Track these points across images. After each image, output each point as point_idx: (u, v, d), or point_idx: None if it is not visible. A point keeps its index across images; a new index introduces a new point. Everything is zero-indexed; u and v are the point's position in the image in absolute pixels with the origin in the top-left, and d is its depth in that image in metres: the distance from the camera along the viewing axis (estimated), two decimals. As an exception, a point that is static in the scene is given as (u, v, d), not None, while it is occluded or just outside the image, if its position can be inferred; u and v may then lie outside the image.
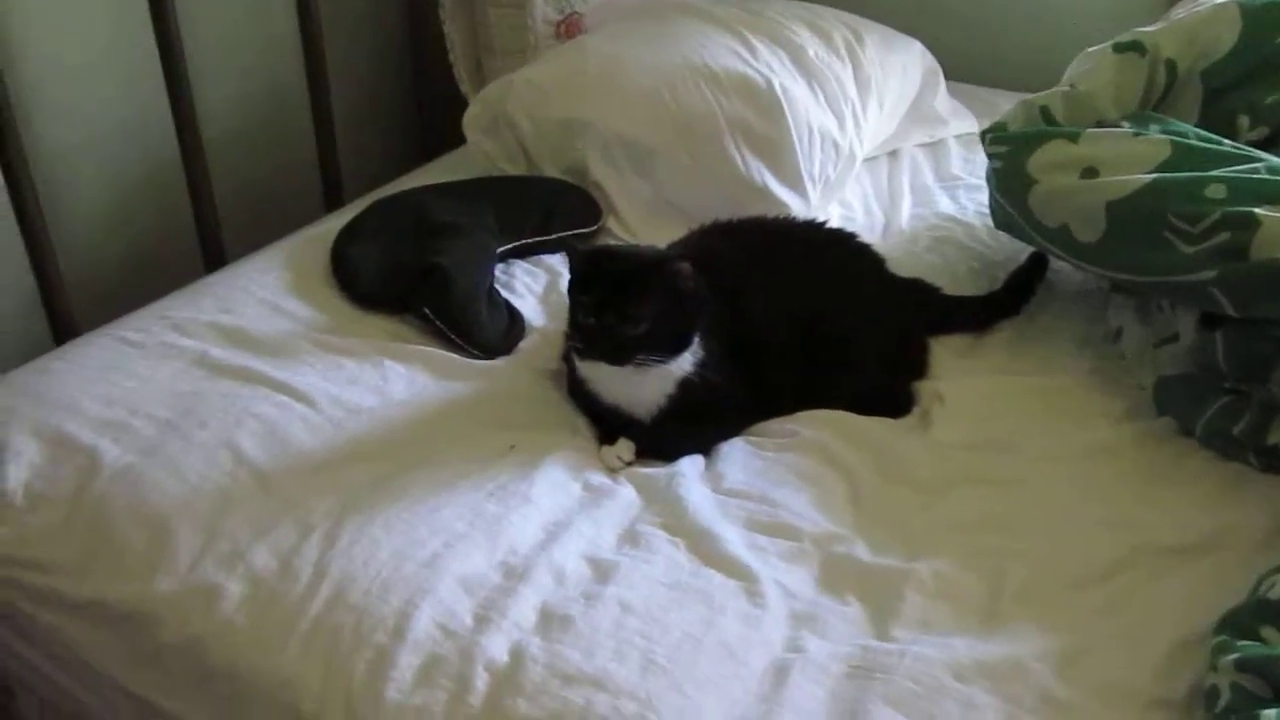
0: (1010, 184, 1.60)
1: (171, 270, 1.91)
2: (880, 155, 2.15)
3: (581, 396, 1.46)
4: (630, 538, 1.26)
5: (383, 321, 1.63)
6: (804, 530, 1.26)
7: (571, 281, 1.37)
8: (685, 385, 1.39)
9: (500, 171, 2.00)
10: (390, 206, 1.84)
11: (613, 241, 1.86)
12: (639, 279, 1.32)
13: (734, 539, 1.24)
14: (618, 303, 1.31)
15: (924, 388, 1.53)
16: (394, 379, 1.50)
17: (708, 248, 1.54)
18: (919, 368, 1.56)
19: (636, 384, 1.38)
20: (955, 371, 1.56)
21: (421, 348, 1.56)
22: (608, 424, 1.43)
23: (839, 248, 1.62)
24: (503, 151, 2.00)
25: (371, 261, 1.71)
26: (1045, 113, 1.64)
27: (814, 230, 1.64)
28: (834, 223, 1.91)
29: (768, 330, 1.47)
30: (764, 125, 1.86)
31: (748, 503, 1.31)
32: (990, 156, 1.65)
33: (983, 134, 1.69)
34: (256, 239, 1.90)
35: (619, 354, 1.33)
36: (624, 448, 1.39)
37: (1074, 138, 1.55)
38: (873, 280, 1.61)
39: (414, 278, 1.61)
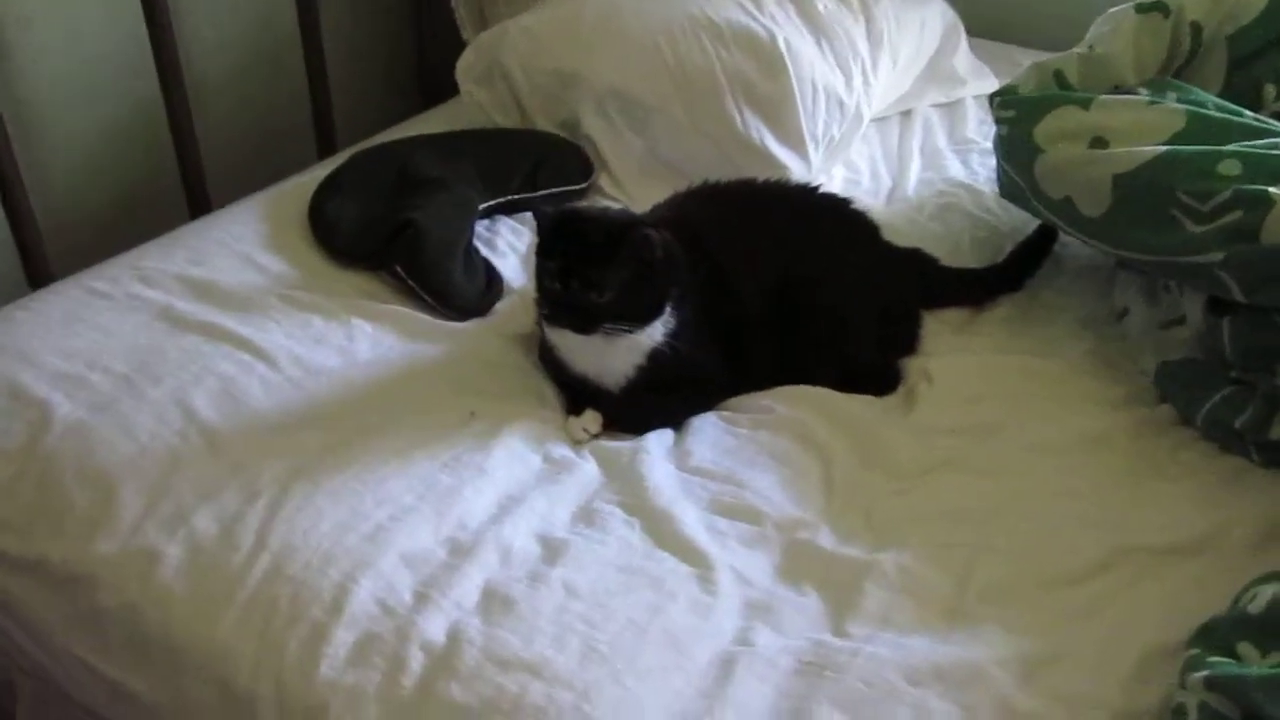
0: (1016, 151, 1.51)
1: (155, 218, 1.86)
2: (892, 115, 2.06)
3: (550, 364, 1.40)
4: (585, 515, 1.20)
5: (358, 278, 1.58)
6: (767, 514, 1.20)
7: (537, 245, 1.31)
8: (656, 356, 1.33)
9: (492, 124, 1.93)
10: (372, 159, 1.78)
11: (603, 200, 1.80)
12: (606, 245, 1.26)
13: (693, 521, 1.18)
14: (583, 269, 1.25)
15: (912, 365, 1.46)
16: (360, 339, 1.45)
17: (691, 211, 1.47)
18: (909, 343, 1.49)
19: (605, 353, 1.33)
20: (947, 349, 1.48)
21: (394, 307, 1.51)
22: (576, 394, 1.38)
23: (831, 214, 1.54)
24: (496, 103, 1.93)
25: (349, 216, 1.65)
26: (1059, 76, 1.55)
27: (806, 195, 1.56)
28: (837, 186, 1.84)
29: (749, 300, 1.41)
30: (765, 82, 1.77)
31: (712, 482, 1.25)
32: (997, 121, 1.56)
33: (991, 97, 1.60)
34: (247, 186, 1.85)
35: (584, 323, 1.27)
36: (590, 419, 1.34)
37: (1085, 104, 1.46)
38: (866, 249, 1.53)
39: (390, 233, 1.56)
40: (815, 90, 1.80)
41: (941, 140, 1.99)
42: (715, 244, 1.42)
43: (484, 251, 1.65)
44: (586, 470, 1.27)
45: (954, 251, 1.65)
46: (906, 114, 2.07)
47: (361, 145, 1.89)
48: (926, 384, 1.41)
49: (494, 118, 1.93)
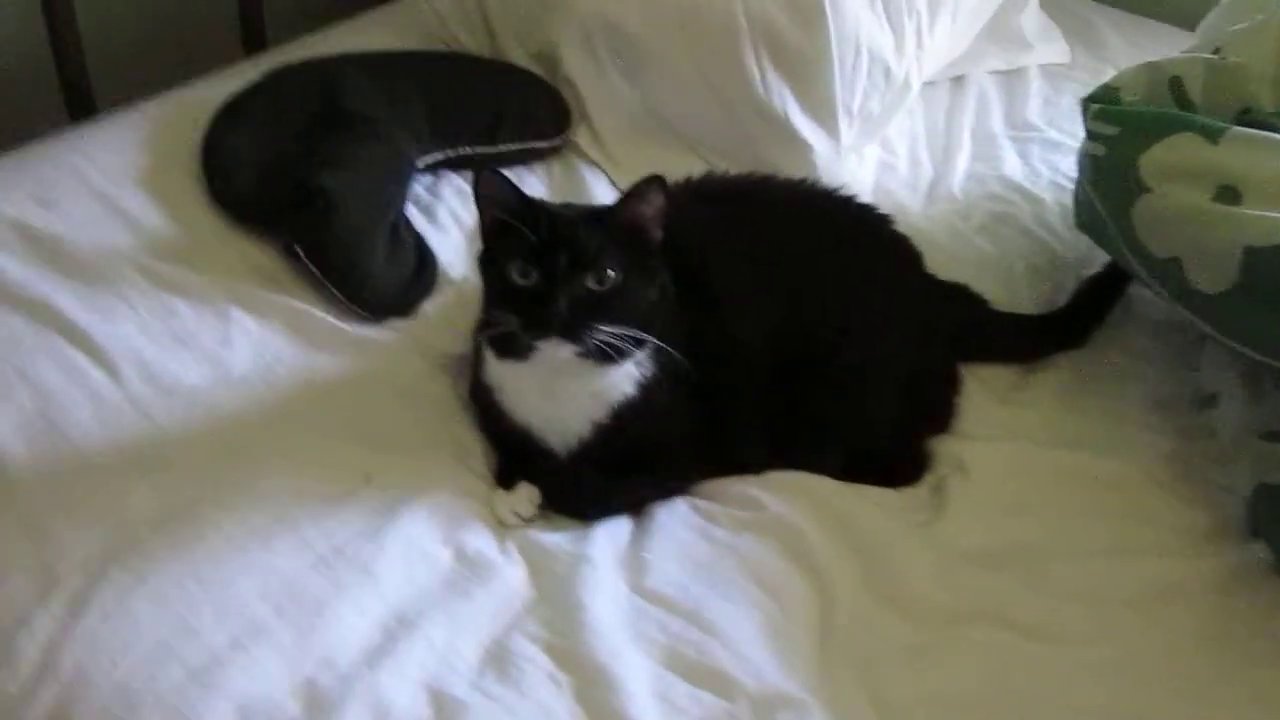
0: (1111, 181, 1.17)
1: (27, 118, 1.47)
2: (941, 80, 1.69)
3: (485, 407, 1.08)
4: (498, 660, 0.89)
5: (250, 245, 1.23)
6: (741, 683, 0.89)
7: (492, 226, 0.98)
8: (624, 411, 1.02)
9: (454, 44, 1.55)
10: (292, 79, 1.40)
11: (579, 163, 1.44)
12: (605, 214, 0.99)
13: (640, 689, 0.87)
14: (576, 243, 0.94)
15: (943, 448, 1.15)
16: (238, 341, 1.12)
17: (684, 215, 1.11)
18: (942, 417, 1.17)
19: (562, 398, 1.01)
20: (988, 428, 1.17)
21: (286, 299, 1.17)
22: (511, 453, 1.06)
23: (866, 236, 1.20)
24: (459, 15, 1.55)
25: (249, 158, 1.28)
26: (1176, 87, 1.20)
27: (837, 206, 1.21)
28: (868, 171, 1.50)
29: (745, 347, 1.08)
30: (797, 33, 1.41)
31: (673, 620, 0.94)
32: (1090, 136, 1.21)
33: (1085, 102, 1.25)
34: (146, 85, 1.47)
35: (577, 323, 0.95)
36: (524, 499, 1.02)
37: (1214, 135, 1.11)
38: (902, 288, 1.19)
39: (295, 195, 1.20)
40: (858, 51, 1.43)
41: (997, 122, 1.64)
42: (711, 266, 1.09)
43: (419, 223, 1.30)
44: (509, 579, 0.96)
45: (1004, 280, 1.33)
46: (958, 80, 1.71)
47: (301, 42, 1.51)
48: (959, 478, 1.11)
49: (455, 33, 1.55)
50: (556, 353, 0.96)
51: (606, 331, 0.95)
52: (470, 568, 0.96)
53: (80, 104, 1.55)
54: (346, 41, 1.52)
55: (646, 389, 1.02)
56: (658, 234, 1.00)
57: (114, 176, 1.27)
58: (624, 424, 1.02)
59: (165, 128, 1.36)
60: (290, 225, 1.19)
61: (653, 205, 0.99)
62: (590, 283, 0.95)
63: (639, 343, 0.98)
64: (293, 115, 1.34)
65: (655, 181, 0.98)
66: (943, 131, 1.61)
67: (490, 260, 1.00)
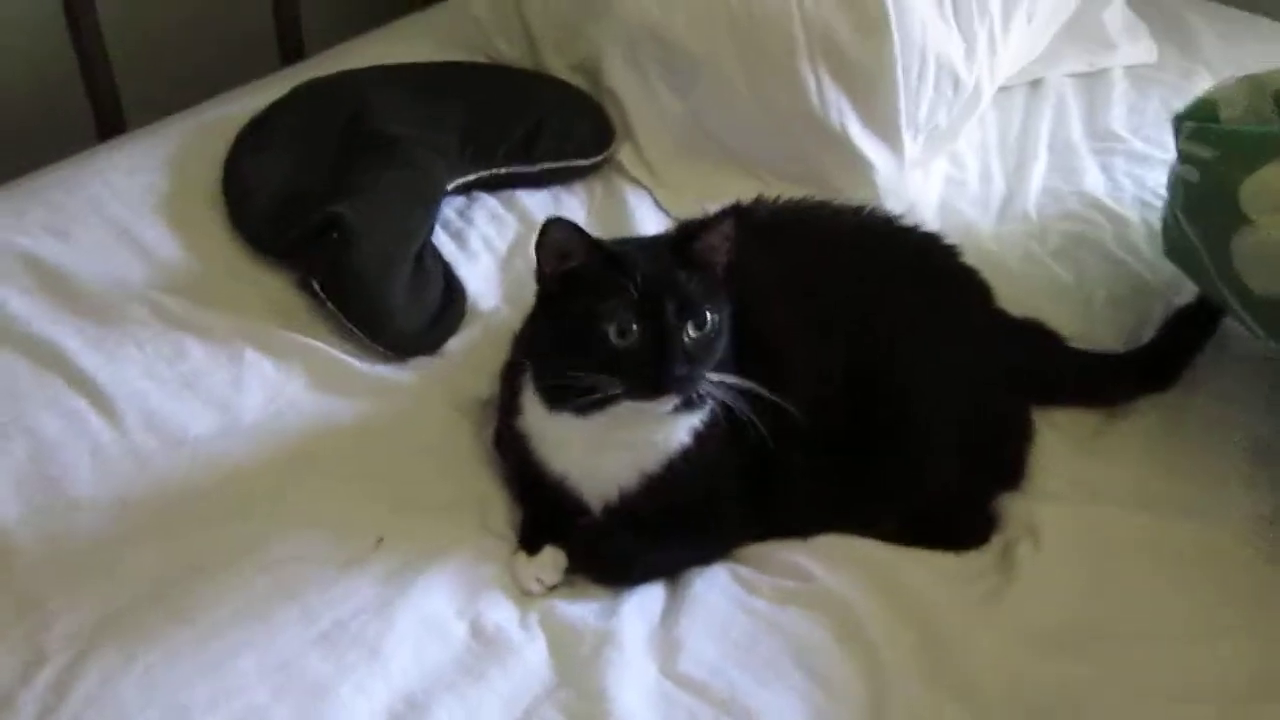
0: (1206, 210, 1.06)
1: (57, 138, 1.42)
2: (1015, 85, 1.57)
3: (516, 457, 0.99)
4: (514, 753, 0.82)
5: (268, 277, 1.16)
6: (781, 787, 0.80)
7: (557, 278, 0.89)
8: (677, 463, 0.93)
9: (492, 53, 1.47)
10: (320, 95, 1.33)
11: (619, 180, 1.35)
12: (681, 248, 0.90)
13: (667, 794, 0.79)
14: (680, 294, 0.86)
15: (1013, 508, 1.04)
16: (250, 386, 1.05)
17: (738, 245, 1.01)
18: (1013, 471, 1.06)
19: (615, 447, 0.92)
20: (1064, 483, 1.06)
21: (305, 339, 1.10)
22: (540, 508, 0.98)
23: (928, 269, 1.10)
24: (498, 23, 1.47)
25: (270, 181, 1.22)
26: (1282, 103, 1.07)
27: (895, 236, 1.11)
28: (935, 188, 1.39)
29: (800, 395, 0.97)
30: (858, 43, 1.31)
31: (706, 709, 0.85)
32: (1183, 158, 1.09)
33: (1177, 120, 1.12)
34: (181, 97, 1.41)
35: (690, 380, 0.87)
36: (549, 564, 0.94)
37: (1327, 161, 0.99)
38: (968, 324, 1.09)
39: (311, 224, 1.13)
40: (923, 59, 1.33)
41: (1076, 130, 1.51)
42: (759, 304, 0.99)
43: (448, 250, 1.22)
44: (528, 660, 0.87)
45: (1082, 311, 1.22)
46: (1034, 85, 1.58)
47: (330, 55, 1.46)
48: (1030, 545, 1.00)
49: (494, 42, 1.47)
50: (656, 409, 0.88)
51: (709, 380, 0.87)
52: (486, 645, 0.87)
53: (108, 121, 1.50)
54: (383, 50, 1.45)
55: (702, 438, 0.93)
56: (724, 266, 0.92)
57: (132, 203, 1.22)
58: (674, 475, 0.93)
59: (189, 148, 1.30)
60: (307, 258, 1.12)
61: (727, 238, 0.91)
62: (693, 330, 0.87)
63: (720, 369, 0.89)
64: (317, 135, 1.27)
65: (730, 214, 0.93)
66: (1016, 142, 1.49)
67: (559, 316, 0.90)
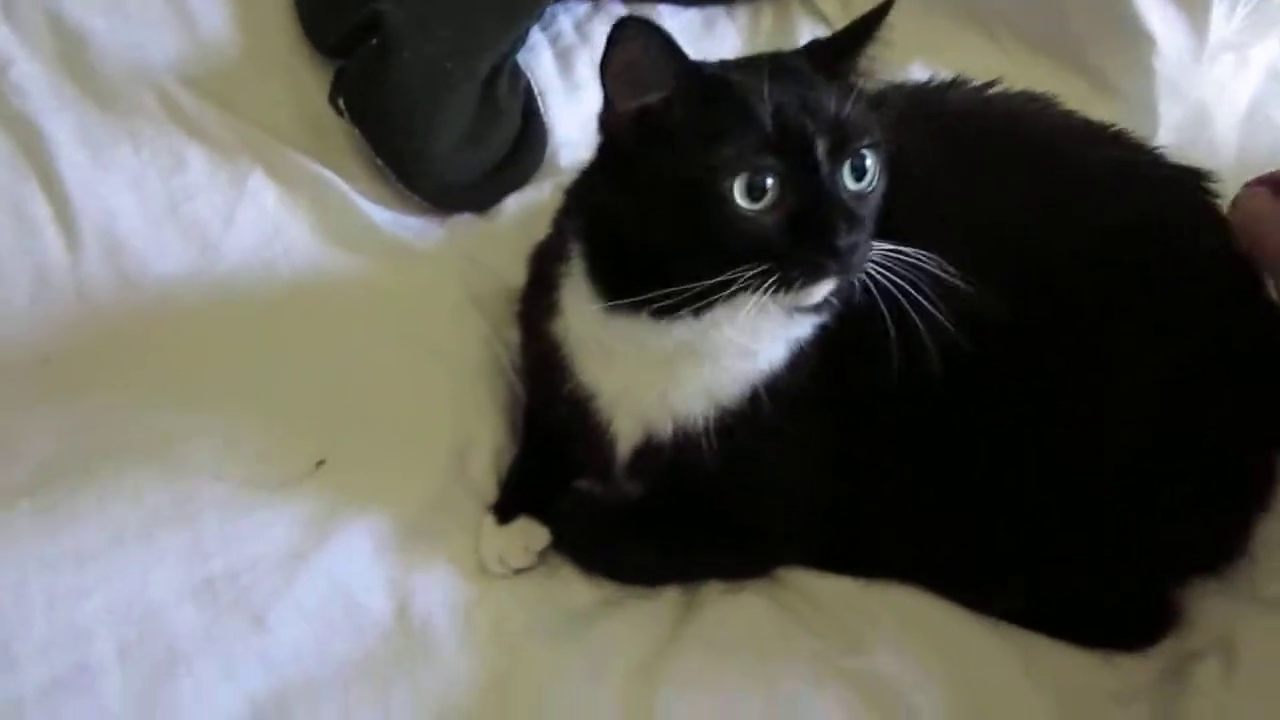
0: None
1: None
2: None
3: (537, 372, 0.75)
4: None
5: (319, 81, 0.93)
6: None
7: (634, 116, 0.61)
8: (763, 391, 0.66)
9: None
10: None
11: (797, 10, 1.02)
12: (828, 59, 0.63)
13: None
14: (834, 123, 0.59)
15: (1205, 602, 0.71)
16: (245, 217, 0.85)
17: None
18: (1222, 545, 0.73)
19: (695, 361, 0.65)
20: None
21: (321, 166, 0.87)
22: (534, 457, 0.74)
23: (1162, 229, 0.71)
24: None
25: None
26: None
27: (1141, 186, 0.73)
28: (1244, 90, 0.98)
29: (926, 370, 0.66)
30: None
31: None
32: None
33: None
34: None
35: (856, 249, 0.59)
36: (517, 543, 0.71)
37: None
38: (1215, 329, 0.72)
39: (356, 24, 0.87)
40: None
41: None
42: (904, 222, 0.66)
43: (546, 74, 0.95)
44: (453, 672, 0.66)
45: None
46: None
47: None
48: (1220, 663, 0.68)
49: None
50: (802, 299, 0.60)
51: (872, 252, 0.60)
52: (408, 639, 0.66)
53: None
54: None
55: (796, 365, 0.66)
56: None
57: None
58: (748, 418, 0.66)
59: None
60: (341, 71, 0.87)
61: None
62: (851, 178, 0.60)
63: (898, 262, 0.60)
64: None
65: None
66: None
67: (642, 177, 0.61)
